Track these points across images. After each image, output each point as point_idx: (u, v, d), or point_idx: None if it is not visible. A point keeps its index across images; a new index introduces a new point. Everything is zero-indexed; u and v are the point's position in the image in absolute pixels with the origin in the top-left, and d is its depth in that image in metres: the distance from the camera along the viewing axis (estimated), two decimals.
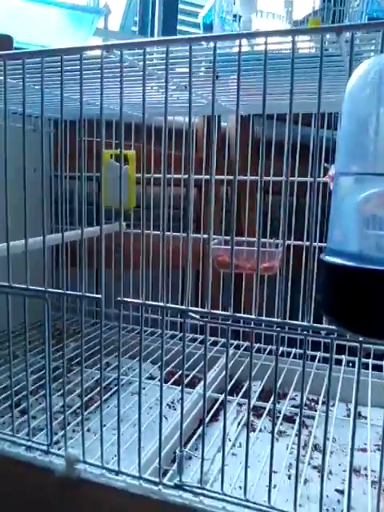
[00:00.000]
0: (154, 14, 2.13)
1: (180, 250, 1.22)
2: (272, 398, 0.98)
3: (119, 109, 0.62)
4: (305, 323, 0.55)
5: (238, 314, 0.58)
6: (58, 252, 1.23)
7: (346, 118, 0.45)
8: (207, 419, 0.91)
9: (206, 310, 0.59)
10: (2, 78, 0.68)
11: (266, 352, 1.18)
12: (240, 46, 0.54)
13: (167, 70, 0.58)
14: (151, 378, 1.11)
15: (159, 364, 1.11)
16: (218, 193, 1.34)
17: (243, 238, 1.17)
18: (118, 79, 0.80)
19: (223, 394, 0.99)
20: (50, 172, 1.34)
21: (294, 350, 1.18)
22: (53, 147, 1.36)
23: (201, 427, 0.89)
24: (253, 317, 0.57)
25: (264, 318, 0.57)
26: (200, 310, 0.60)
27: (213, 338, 1.23)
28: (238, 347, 1.22)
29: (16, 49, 1.19)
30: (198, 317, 0.59)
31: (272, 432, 0.63)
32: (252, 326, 0.59)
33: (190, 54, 0.57)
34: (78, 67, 0.68)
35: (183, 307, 0.60)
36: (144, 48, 0.58)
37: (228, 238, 1.18)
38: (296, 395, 1.04)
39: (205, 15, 2.02)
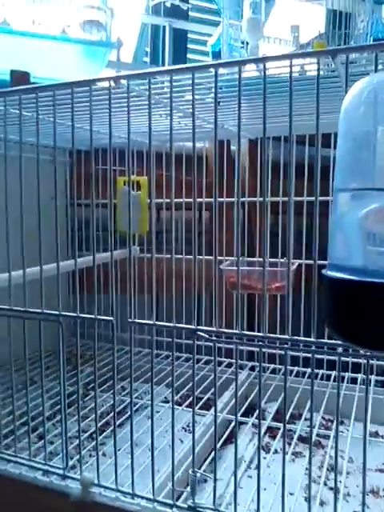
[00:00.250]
0: (164, 44, 2.20)
1: (193, 274, 1.23)
2: (286, 418, 0.98)
3: (127, 137, 0.64)
4: (311, 339, 0.55)
5: (246, 332, 0.58)
6: (73, 277, 1.26)
7: (343, 135, 0.46)
8: (222, 441, 0.91)
9: (215, 328, 0.60)
10: (19, 111, 0.71)
11: (281, 372, 1.18)
12: (240, 72, 0.56)
13: (171, 98, 0.60)
14: (167, 401, 1.11)
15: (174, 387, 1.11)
16: (230, 215, 1.35)
17: (255, 259, 1.17)
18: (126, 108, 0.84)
19: (238, 416, 0.99)
20: (67, 200, 1.38)
21: (308, 370, 1.18)
22: (69, 176, 1.39)
23: (217, 449, 0.90)
24: (260, 334, 0.57)
25: (271, 335, 0.57)
26: (209, 328, 0.60)
27: (228, 360, 1.23)
28: (253, 369, 1.22)
29: (33, 83, 1.24)
30: (207, 336, 0.60)
31: (283, 453, 0.62)
32: (260, 344, 0.59)
33: (192, 81, 0.59)
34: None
35: (192, 327, 0.61)
36: (149, 78, 0.61)
37: (240, 259, 1.20)
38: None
39: (213, 43, 2.08)
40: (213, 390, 1.06)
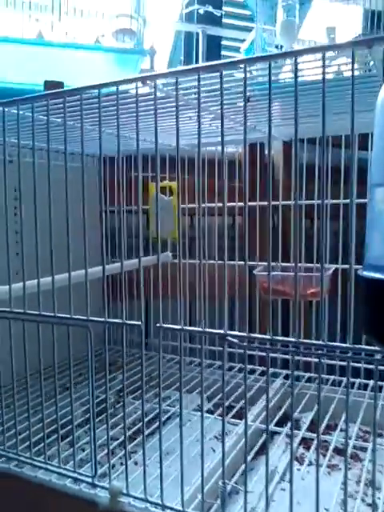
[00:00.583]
0: (198, 51, 2.20)
1: (226, 279, 1.21)
2: (321, 429, 0.94)
3: (155, 140, 0.63)
4: (347, 345, 0.52)
5: (278, 338, 0.56)
6: (112, 284, 1.26)
7: (380, 129, 0.43)
8: (255, 451, 0.88)
9: (245, 334, 0.58)
10: (47, 117, 0.71)
11: (316, 381, 1.13)
12: (270, 68, 0.54)
13: (199, 98, 0.59)
14: (199, 409, 1.09)
15: (207, 395, 1.09)
16: (263, 219, 1.33)
17: (289, 264, 1.14)
18: (160, 112, 0.83)
19: (271, 426, 0.96)
20: (100, 207, 1.38)
21: (344, 379, 1.13)
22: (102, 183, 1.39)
23: (250, 460, 0.87)
24: (293, 340, 0.55)
25: (304, 340, 0.54)
26: (239, 334, 0.58)
27: (261, 368, 1.20)
28: (287, 377, 1.18)
29: None
30: (236, 341, 0.58)
31: (317, 466, 0.59)
32: (292, 349, 0.57)
33: (221, 79, 0.57)
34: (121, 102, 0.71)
35: (222, 331, 0.59)
36: (176, 77, 0.60)
37: (274, 264, 1.17)
38: (348, 426, 0.99)
39: (247, 48, 2.07)
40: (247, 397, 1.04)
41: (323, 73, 0.51)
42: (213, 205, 1.23)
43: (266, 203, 1.19)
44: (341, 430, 0.95)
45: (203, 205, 1.24)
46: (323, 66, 0.52)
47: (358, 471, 0.87)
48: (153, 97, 0.65)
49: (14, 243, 0.77)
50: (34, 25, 1.69)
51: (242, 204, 1.22)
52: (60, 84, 1.32)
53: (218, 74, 0.63)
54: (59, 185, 0.70)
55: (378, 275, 0.43)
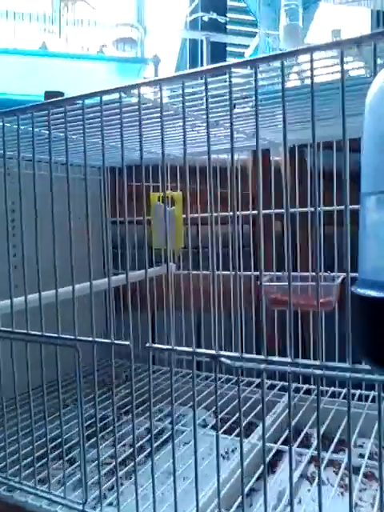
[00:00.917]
0: (203, 58, 2.18)
1: (231, 290, 1.18)
2: (333, 446, 0.90)
3: (140, 149, 0.61)
4: (346, 365, 0.48)
5: (271, 358, 0.53)
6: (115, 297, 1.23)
7: (368, 132, 0.40)
8: (260, 471, 0.84)
9: (238, 354, 0.54)
10: (31, 129, 0.70)
11: (328, 395, 1.10)
12: (256, 74, 0.51)
13: (184, 106, 0.56)
14: (204, 425, 1.05)
15: (213, 410, 1.06)
16: (270, 228, 1.29)
17: (297, 273, 1.11)
18: (154, 122, 0.81)
19: (278, 443, 0.93)
20: (102, 218, 1.36)
21: (358, 391, 1.09)
22: (103, 194, 1.38)
23: (256, 480, 0.83)
24: (288, 360, 0.51)
25: (300, 360, 0.51)
26: (232, 354, 0.55)
27: (270, 382, 1.16)
28: (297, 390, 1.14)
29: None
30: (229, 362, 0.55)
31: (318, 485, 0.56)
32: (288, 369, 0.54)
33: (205, 86, 0.54)
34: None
35: (213, 352, 0.56)
36: (160, 85, 0.57)
37: (280, 274, 1.13)
38: (363, 442, 0.94)
39: (251, 53, 2.04)
40: (251, 415, 1.01)
41: (311, 76, 0.48)
42: (214, 214, 1.20)
43: (269, 211, 1.18)
44: (355, 446, 0.91)
45: (186, 215, 1.20)
46: (311, 69, 0.49)
47: (373, 492, 0.82)
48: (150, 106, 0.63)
49: (11, 257, 0.74)
50: (36, 36, 1.69)
51: (244, 213, 1.20)
52: (60, 94, 1.30)
53: (215, 79, 0.61)
54: (50, 197, 0.68)
55: (371, 292, 0.39)
